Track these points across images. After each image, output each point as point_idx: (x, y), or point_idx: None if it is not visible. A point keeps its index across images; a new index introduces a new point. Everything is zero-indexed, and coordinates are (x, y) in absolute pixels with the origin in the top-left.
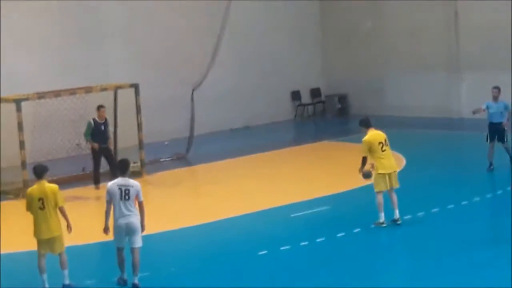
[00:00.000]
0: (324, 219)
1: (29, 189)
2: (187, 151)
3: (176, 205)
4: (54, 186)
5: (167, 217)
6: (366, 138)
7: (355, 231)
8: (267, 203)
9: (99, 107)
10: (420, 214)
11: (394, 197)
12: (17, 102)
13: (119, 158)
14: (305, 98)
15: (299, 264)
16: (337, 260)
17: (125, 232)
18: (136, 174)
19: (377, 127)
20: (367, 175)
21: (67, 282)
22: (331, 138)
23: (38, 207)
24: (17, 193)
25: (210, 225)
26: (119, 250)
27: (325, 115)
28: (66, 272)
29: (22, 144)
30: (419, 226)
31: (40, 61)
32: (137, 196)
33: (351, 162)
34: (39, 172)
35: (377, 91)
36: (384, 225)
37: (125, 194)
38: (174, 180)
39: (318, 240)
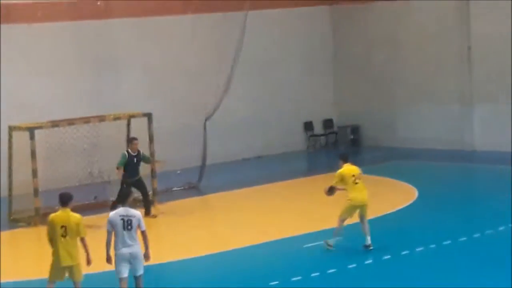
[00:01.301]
0: (336, 250)
1: (52, 216)
2: (199, 181)
3: (187, 234)
4: (78, 216)
5: (179, 246)
6: (340, 171)
7: (367, 262)
8: (278, 234)
9: (132, 140)
10: (432, 246)
11: (366, 226)
12: (31, 130)
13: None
14: (318, 128)
15: None
16: None
17: (129, 261)
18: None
19: (389, 159)
20: (330, 191)
21: None
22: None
23: (60, 234)
24: (28, 221)
25: (222, 254)
26: (122, 280)
27: (337, 146)
28: None
29: (34, 172)
30: (431, 258)
31: (54, 89)
32: (139, 226)
33: None
34: (65, 199)
35: (390, 122)
36: (331, 248)
37: (127, 224)
38: (186, 209)
39: (329, 271)
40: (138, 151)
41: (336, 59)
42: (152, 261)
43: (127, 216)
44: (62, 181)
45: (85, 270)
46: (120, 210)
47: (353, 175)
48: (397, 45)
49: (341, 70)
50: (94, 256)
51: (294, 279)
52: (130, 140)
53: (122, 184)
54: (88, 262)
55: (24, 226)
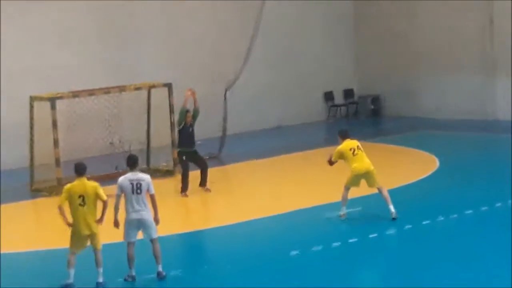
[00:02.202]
0: (357, 219)
1: (69, 185)
2: (219, 151)
3: (208, 204)
4: (94, 183)
5: (199, 216)
6: (338, 148)
7: (388, 232)
8: (299, 204)
9: (186, 112)
10: (454, 216)
11: (385, 194)
12: (52, 100)
13: (151, 157)
14: (338, 99)
15: (331, 265)
16: (369, 261)
17: (137, 226)
18: (169, 173)
19: (410, 129)
20: (330, 163)
21: (100, 280)
22: (364, 139)
23: (78, 203)
24: (50, 191)
25: (242, 225)
26: (129, 244)
27: (358, 116)
28: (100, 270)
29: (56, 142)
30: (452, 228)
31: (74, 60)
32: (148, 189)
33: (384, 163)
34: (81, 169)
35: (411, 92)
36: (344, 217)
37: (137, 188)
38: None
39: (350, 240)
40: (191, 123)
41: (357, 28)
42: (173, 230)
43: (136, 180)
44: (83, 152)
45: (104, 238)
46: (129, 175)
47: (351, 149)
48: (419, 15)
49: (362, 40)
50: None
51: (315, 248)
52: (184, 113)
53: (180, 157)
54: (99, 221)
55: (46, 196)
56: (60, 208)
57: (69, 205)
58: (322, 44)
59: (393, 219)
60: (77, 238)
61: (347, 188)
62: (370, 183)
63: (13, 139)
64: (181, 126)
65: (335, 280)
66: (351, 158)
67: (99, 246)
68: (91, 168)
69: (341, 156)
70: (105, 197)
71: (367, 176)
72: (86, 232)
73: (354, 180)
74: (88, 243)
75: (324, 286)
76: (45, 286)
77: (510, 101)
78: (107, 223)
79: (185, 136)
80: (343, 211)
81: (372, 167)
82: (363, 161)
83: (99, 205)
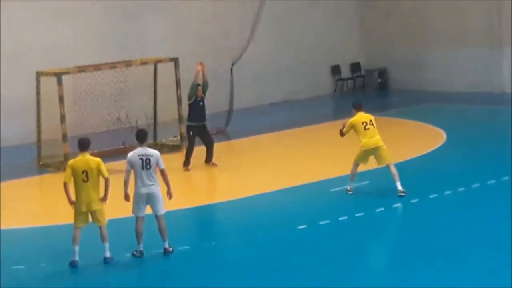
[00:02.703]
0: (364, 194)
1: (72, 161)
2: (226, 125)
3: (215, 179)
4: (97, 159)
5: (206, 191)
6: (351, 120)
7: (395, 205)
8: (306, 178)
9: (197, 86)
10: (461, 189)
11: (393, 170)
12: (58, 75)
13: (159, 132)
14: (345, 72)
15: (338, 239)
16: (375, 235)
17: (146, 201)
18: (176, 148)
19: (418, 102)
20: (341, 134)
21: (107, 255)
22: (371, 112)
23: (81, 179)
24: (58, 166)
25: (249, 199)
26: (138, 219)
27: (365, 90)
28: (106, 245)
29: (63, 118)
30: (459, 202)
31: (81, 35)
32: (157, 164)
33: (391, 137)
34: (84, 144)
35: (417, 65)
36: (351, 192)
37: (146, 163)
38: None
39: (357, 215)
40: (202, 97)
41: (363, 1)
42: (180, 205)
43: (145, 155)
44: (90, 127)
45: (112, 214)
46: (138, 150)
47: (363, 122)
48: None
49: (368, 13)
50: (122, 200)
51: (322, 222)
52: (195, 87)
53: (188, 132)
54: (103, 199)
55: (53, 171)
56: (66, 185)
57: (73, 180)
58: (328, 18)
59: (400, 196)
60: (79, 213)
61: (356, 164)
62: (379, 161)
63: (19, 114)
64: (191, 100)
65: (342, 254)
66: (362, 132)
67: (104, 222)
68: (98, 143)
69: (353, 128)
70: (106, 174)
71: (376, 152)
72: (87, 208)
73: (363, 156)
74: (91, 219)
75: (331, 260)
76: (53, 261)
77: None
78: (117, 198)
79: (196, 110)
80: (351, 185)
81: (381, 143)
82: (374, 137)
83: (102, 180)
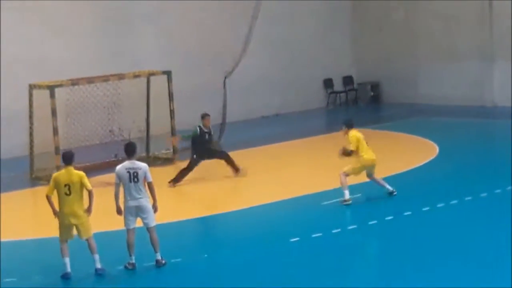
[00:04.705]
0: (356, 206)
1: (56, 174)
2: (219, 139)
3: (207, 191)
4: (80, 172)
5: (199, 204)
6: (355, 135)
7: (387, 218)
8: (299, 191)
9: (205, 116)
10: (454, 202)
11: (378, 178)
12: (51, 88)
13: (151, 146)
14: (338, 85)
15: (331, 251)
16: (368, 247)
17: (135, 214)
18: (168, 161)
19: (410, 115)
20: (347, 154)
21: (98, 266)
22: (364, 126)
23: (64, 192)
24: (49, 179)
25: (242, 212)
26: (129, 231)
27: (357, 103)
28: (96, 256)
29: (55, 130)
30: (452, 214)
31: (74, 48)
32: (145, 178)
33: (383, 150)
34: (68, 158)
35: (410, 79)
36: (349, 202)
37: (133, 176)
38: (205, 167)
39: (349, 227)
40: (210, 128)
41: (356, 15)
42: (173, 218)
43: (133, 168)
44: (82, 140)
45: (104, 226)
46: (127, 163)
47: (364, 138)
48: (418, 1)
49: (360, 27)
50: (114, 213)
51: (315, 235)
52: (203, 116)
53: (192, 154)
54: (88, 211)
55: (46, 184)
56: (48, 198)
57: (57, 193)
58: (321, 31)
59: (390, 194)
60: (64, 227)
61: (346, 175)
62: (370, 174)
63: (13, 127)
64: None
65: (335, 266)
66: (365, 148)
67: (89, 234)
68: (91, 156)
69: (358, 143)
70: (90, 187)
71: (372, 167)
72: (72, 221)
73: (359, 170)
74: (75, 233)
75: (323, 273)
76: (45, 274)
77: (509, 88)
78: (110, 211)
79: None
80: (347, 195)
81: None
82: (372, 153)
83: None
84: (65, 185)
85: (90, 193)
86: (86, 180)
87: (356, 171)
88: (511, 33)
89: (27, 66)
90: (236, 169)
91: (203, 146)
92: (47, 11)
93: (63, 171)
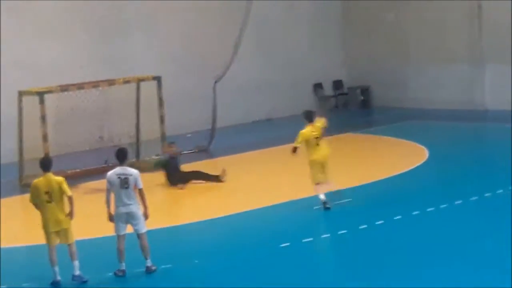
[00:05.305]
0: (347, 211)
1: (35, 181)
2: (209, 144)
3: (198, 197)
4: (60, 178)
5: (190, 210)
6: (302, 131)
7: (378, 223)
8: (289, 195)
9: (171, 144)
10: (444, 206)
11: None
12: (40, 94)
13: (141, 151)
14: (328, 90)
15: (321, 256)
16: (359, 252)
17: (125, 220)
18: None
19: (400, 119)
20: (294, 151)
21: (77, 273)
22: (354, 130)
23: (45, 200)
24: None
25: (232, 217)
26: (119, 237)
27: (347, 107)
28: (76, 263)
29: (45, 137)
30: (442, 218)
31: (63, 54)
32: (136, 184)
33: (373, 154)
34: (47, 164)
35: (400, 83)
36: (328, 204)
37: (124, 182)
38: None
39: (340, 232)
40: (176, 155)
41: (345, 19)
42: (163, 224)
43: (123, 174)
44: (72, 146)
45: (90, 233)
46: (118, 169)
47: (316, 138)
48: (407, 5)
49: (350, 31)
50: (104, 220)
51: (305, 240)
52: (169, 144)
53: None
54: (70, 216)
55: None
56: (34, 205)
57: (34, 200)
58: (311, 35)
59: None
60: (48, 233)
61: (317, 183)
62: (326, 174)
63: (2, 133)
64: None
65: (325, 271)
66: (314, 148)
67: (71, 241)
68: (81, 162)
69: (304, 140)
70: (69, 193)
71: (323, 164)
72: (54, 228)
73: (316, 173)
74: (58, 240)
75: (314, 278)
76: (35, 281)
77: (500, 91)
78: (100, 217)
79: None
80: (323, 198)
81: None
82: (324, 152)
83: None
84: (46, 193)
85: (69, 199)
86: (65, 186)
87: (314, 172)
88: (501, 36)
89: (18, 71)
90: (216, 179)
91: (175, 172)
92: (38, 17)
93: (41, 178)
